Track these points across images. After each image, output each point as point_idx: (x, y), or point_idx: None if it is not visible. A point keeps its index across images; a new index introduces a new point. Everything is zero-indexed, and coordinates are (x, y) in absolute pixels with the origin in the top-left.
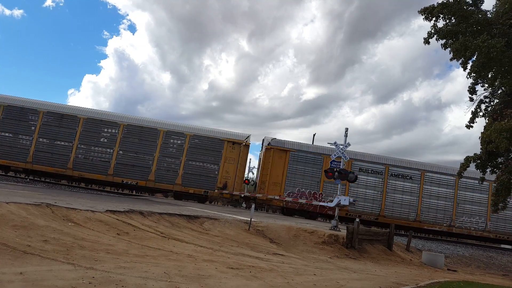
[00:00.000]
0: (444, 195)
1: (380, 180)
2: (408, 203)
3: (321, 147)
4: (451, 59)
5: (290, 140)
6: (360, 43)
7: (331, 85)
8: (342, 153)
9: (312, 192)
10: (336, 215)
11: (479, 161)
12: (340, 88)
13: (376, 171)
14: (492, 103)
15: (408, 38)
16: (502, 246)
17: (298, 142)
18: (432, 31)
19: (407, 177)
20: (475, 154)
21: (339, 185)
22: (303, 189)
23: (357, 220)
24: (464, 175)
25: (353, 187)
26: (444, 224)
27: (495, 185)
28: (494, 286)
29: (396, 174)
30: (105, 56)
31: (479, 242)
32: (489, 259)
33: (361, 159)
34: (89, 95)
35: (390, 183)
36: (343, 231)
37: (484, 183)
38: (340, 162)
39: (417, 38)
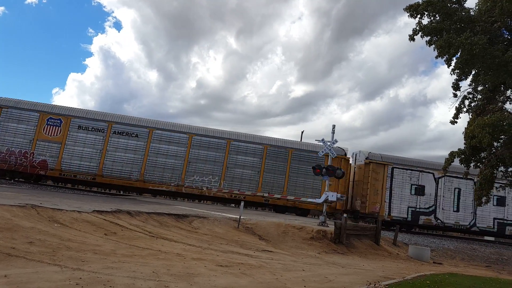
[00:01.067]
0: (174, 153)
1: (101, 138)
2: (131, 162)
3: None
4: (436, 57)
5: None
6: (347, 40)
7: (318, 82)
8: (330, 149)
9: (23, 152)
10: (324, 210)
11: (463, 156)
12: (328, 85)
13: (97, 129)
14: (475, 99)
15: (395, 35)
16: (486, 238)
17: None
18: (417, 28)
19: (133, 135)
20: (459, 149)
21: (327, 181)
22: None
23: (345, 215)
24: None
25: (69, 146)
26: (172, 184)
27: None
28: (477, 277)
29: (120, 131)
30: (90, 54)
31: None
32: (473, 251)
33: (80, 115)
34: (74, 94)
35: (112, 141)
36: (331, 227)
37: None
38: None
39: (403, 35)
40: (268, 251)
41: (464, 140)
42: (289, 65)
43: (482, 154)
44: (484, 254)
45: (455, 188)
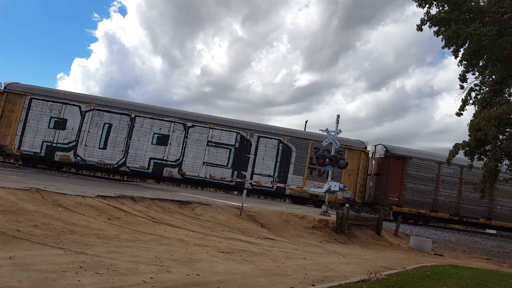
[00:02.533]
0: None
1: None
2: None
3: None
4: (443, 47)
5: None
6: (354, 29)
7: (324, 71)
8: (334, 139)
9: None
10: (326, 200)
11: (467, 148)
12: (333, 75)
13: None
14: (482, 91)
15: (403, 24)
16: (487, 231)
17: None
18: (425, 18)
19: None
20: (463, 141)
21: (330, 171)
22: None
23: (347, 205)
24: None
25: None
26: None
27: (482, 171)
28: (477, 269)
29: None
30: (95, 40)
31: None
32: (474, 243)
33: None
34: (79, 79)
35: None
36: (333, 216)
37: None
38: None
39: (411, 25)
40: (269, 238)
41: (469, 132)
42: (295, 53)
43: (487, 147)
44: (485, 246)
45: (105, 124)
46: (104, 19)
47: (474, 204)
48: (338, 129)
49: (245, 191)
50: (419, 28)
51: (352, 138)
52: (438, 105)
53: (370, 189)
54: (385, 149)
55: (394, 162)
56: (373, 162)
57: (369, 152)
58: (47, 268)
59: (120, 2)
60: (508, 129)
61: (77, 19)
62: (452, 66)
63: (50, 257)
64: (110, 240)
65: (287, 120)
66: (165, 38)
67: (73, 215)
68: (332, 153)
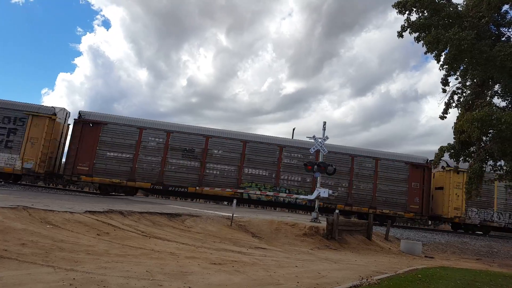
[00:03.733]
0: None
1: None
2: None
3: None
4: (425, 53)
5: None
6: (338, 36)
7: (309, 79)
8: (321, 146)
9: None
10: (316, 207)
11: (452, 151)
12: (319, 82)
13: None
14: (464, 94)
15: (385, 30)
16: (477, 232)
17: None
18: (406, 25)
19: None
20: (448, 144)
21: (318, 178)
22: None
23: (337, 211)
24: None
25: None
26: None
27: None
28: (467, 270)
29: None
30: (79, 54)
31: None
32: (464, 244)
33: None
34: (64, 94)
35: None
36: (323, 223)
37: None
38: None
39: (394, 30)
40: (261, 248)
41: (454, 135)
42: (280, 62)
43: (472, 149)
44: (474, 247)
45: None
46: (88, 32)
47: (184, 173)
48: (325, 135)
49: (234, 201)
50: (400, 35)
51: (40, 104)
52: (424, 108)
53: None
54: (78, 114)
55: (88, 129)
56: (69, 130)
57: (61, 119)
58: (36, 287)
59: (104, 16)
60: (491, 130)
61: (60, 34)
62: (435, 69)
63: (39, 275)
64: (100, 255)
65: (274, 129)
66: (150, 50)
67: (61, 231)
68: (320, 159)
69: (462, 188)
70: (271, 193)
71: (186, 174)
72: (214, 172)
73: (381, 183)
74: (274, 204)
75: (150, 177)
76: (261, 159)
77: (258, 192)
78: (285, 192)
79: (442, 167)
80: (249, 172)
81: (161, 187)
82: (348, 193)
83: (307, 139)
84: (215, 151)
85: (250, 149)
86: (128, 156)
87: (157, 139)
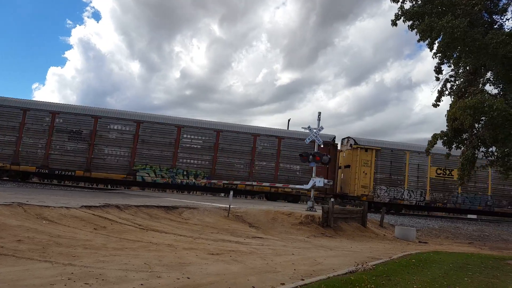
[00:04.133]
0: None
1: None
2: None
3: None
4: (418, 41)
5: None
6: (332, 25)
7: (304, 69)
8: (316, 136)
9: None
10: (311, 196)
11: (445, 138)
12: (314, 72)
13: None
14: (457, 82)
15: (379, 19)
16: (469, 216)
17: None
18: (399, 13)
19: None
20: (441, 131)
21: (314, 167)
22: None
23: (332, 200)
24: None
25: None
26: None
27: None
28: (460, 254)
29: None
30: (69, 47)
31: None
32: (457, 229)
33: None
34: (55, 88)
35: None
36: (319, 211)
37: None
38: None
39: (388, 19)
40: (258, 237)
41: (447, 122)
42: (274, 52)
43: (464, 136)
44: (467, 231)
45: None
46: (77, 25)
47: (71, 156)
48: (320, 126)
49: (231, 192)
50: (394, 23)
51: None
52: (417, 97)
53: None
54: None
55: None
56: None
57: None
58: (34, 282)
59: (93, 7)
60: (483, 118)
61: (50, 27)
62: (429, 58)
63: (37, 271)
64: (98, 249)
65: (270, 120)
66: (141, 42)
67: (58, 227)
68: (315, 150)
69: (371, 166)
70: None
71: (73, 157)
72: (105, 154)
73: (282, 162)
74: (170, 186)
75: (35, 161)
76: (157, 140)
77: (153, 175)
78: (183, 174)
79: (351, 145)
80: (144, 154)
81: (46, 170)
82: (250, 172)
83: (213, 121)
84: (105, 133)
85: (145, 130)
86: (11, 139)
87: (42, 121)
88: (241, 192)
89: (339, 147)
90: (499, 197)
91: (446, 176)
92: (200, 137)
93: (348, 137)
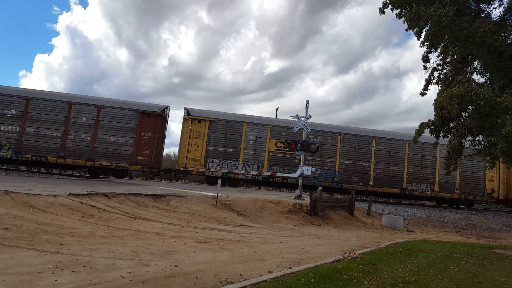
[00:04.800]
0: None
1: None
2: None
3: None
4: (406, 29)
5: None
6: (320, 13)
7: (293, 57)
8: (304, 125)
9: None
10: (299, 184)
11: (433, 127)
12: (302, 60)
13: None
14: (444, 71)
15: (368, 6)
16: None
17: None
18: (387, 1)
19: None
20: (429, 120)
21: (301, 156)
22: None
23: (320, 188)
24: None
25: None
26: None
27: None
28: (446, 242)
29: None
30: (56, 34)
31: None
32: (444, 218)
33: None
34: (42, 76)
35: None
36: (306, 200)
37: None
38: None
39: (376, 7)
40: (246, 226)
41: (434, 111)
42: (263, 40)
43: (451, 124)
44: (454, 220)
45: None
46: (64, 12)
47: None
48: (308, 114)
49: (219, 181)
50: (381, 11)
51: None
52: (405, 86)
53: None
54: None
55: None
56: None
57: None
58: (22, 270)
59: None
60: (470, 106)
61: (36, 13)
62: (417, 46)
63: (24, 259)
64: (85, 238)
65: (258, 108)
66: (129, 29)
67: (45, 215)
68: (303, 138)
69: (203, 138)
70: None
71: None
72: None
73: (102, 133)
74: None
75: None
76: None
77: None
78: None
79: (184, 115)
80: None
81: None
82: (62, 145)
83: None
84: None
85: None
86: None
87: None
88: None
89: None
90: (348, 173)
91: (287, 149)
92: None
93: (185, 108)
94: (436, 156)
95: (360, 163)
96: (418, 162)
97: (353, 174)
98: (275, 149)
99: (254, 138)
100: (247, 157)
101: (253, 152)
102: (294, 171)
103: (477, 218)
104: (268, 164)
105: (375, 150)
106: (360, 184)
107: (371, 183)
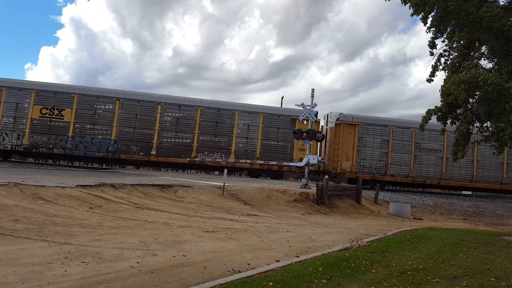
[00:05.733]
0: None
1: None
2: None
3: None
4: (412, 15)
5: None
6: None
7: (297, 45)
8: (310, 113)
9: None
10: (306, 173)
11: (440, 114)
12: (307, 47)
13: None
14: (451, 57)
15: None
16: (463, 192)
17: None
18: None
19: None
20: (436, 107)
21: (308, 145)
22: None
23: (326, 177)
24: None
25: None
26: None
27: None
28: (454, 230)
29: None
30: (61, 26)
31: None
32: (451, 205)
33: None
34: (48, 68)
35: None
36: (313, 189)
37: None
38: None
39: None
40: (253, 215)
41: (441, 97)
42: (267, 28)
43: (458, 111)
44: (461, 207)
45: None
46: (68, 4)
47: None
48: (313, 103)
49: (225, 170)
50: None
51: None
52: (412, 72)
53: None
54: None
55: None
56: None
57: None
58: (32, 261)
59: None
60: (477, 92)
61: (40, 6)
62: (423, 32)
63: (34, 250)
64: (94, 228)
65: (264, 97)
66: (133, 20)
67: (54, 206)
68: (309, 127)
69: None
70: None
71: None
72: None
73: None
74: None
75: None
76: None
77: None
78: None
79: None
80: None
81: None
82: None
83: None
84: None
85: None
86: None
87: None
88: None
89: None
90: (126, 142)
91: (54, 116)
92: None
93: None
94: (234, 123)
95: (143, 131)
96: (212, 130)
97: (132, 143)
98: (39, 116)
99: (15, 105)
100: (8, 125)
101: (13, 120)
102: (63, 140)
103: (485, 205)
104: (30, 132)
105: (160, 117)
106: (141, 154)
107: (153, 152)
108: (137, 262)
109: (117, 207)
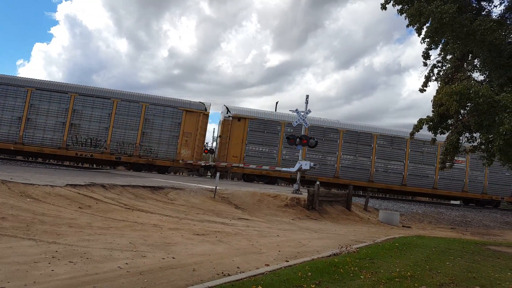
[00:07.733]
0: None
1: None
2: None
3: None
4: (407, 25)
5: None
6: (323, 7)
7: (294, 51)
8: (303, 119)
9: None
10: (297, 179)
11: (431, 123)
12: (303, 54)
13: None
14: (444, 68)
15: (370, 1)
16: (452, 202)
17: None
18: None
19: None
20: (427, 116)
21: (300, 150)
22: None
23: (318, 183)
24: None
25: None
26: None
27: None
28: (442, 238)
29: None
30: (55, 23)
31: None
32: (439, 214)
33: None
34: (40, 65)
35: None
36: (304, 194)
37: None
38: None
39: (379, 2)
40: (244, 219)
41: (433, 107)
42: (264, 33)
43: (450, 121)
44: (449, 217)
45: None
46: (63, 0)
47: None
48: (307, 109)
49: (218, 174)
50: (383, 7)
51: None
52: (406, 82)
53: None
54: None
55: None
56: None
57: None
58: (18, 260)
59: None
60: (468, 104)
61: (35, 2)
62: (418, 43)
63: (20, 248)
64: (83, 228)
65: (258, 102)
66: (129, 20)
67: (42, 205)
68: (303, 133)
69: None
70: None
71: None
72: None
73: None
74: None
75: None
76: None
77: None
78: None
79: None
80: None
81: None
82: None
83: None
84: None
85: None
86: None
87: None
88: None
89: None
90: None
91: None
92: None
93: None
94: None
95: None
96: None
97: None
98: None
99: None
100: None
101: None
102: None
103: (473, 215)
104: None
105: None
106: None
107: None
108: (126, 263)
109: (107, 207)
